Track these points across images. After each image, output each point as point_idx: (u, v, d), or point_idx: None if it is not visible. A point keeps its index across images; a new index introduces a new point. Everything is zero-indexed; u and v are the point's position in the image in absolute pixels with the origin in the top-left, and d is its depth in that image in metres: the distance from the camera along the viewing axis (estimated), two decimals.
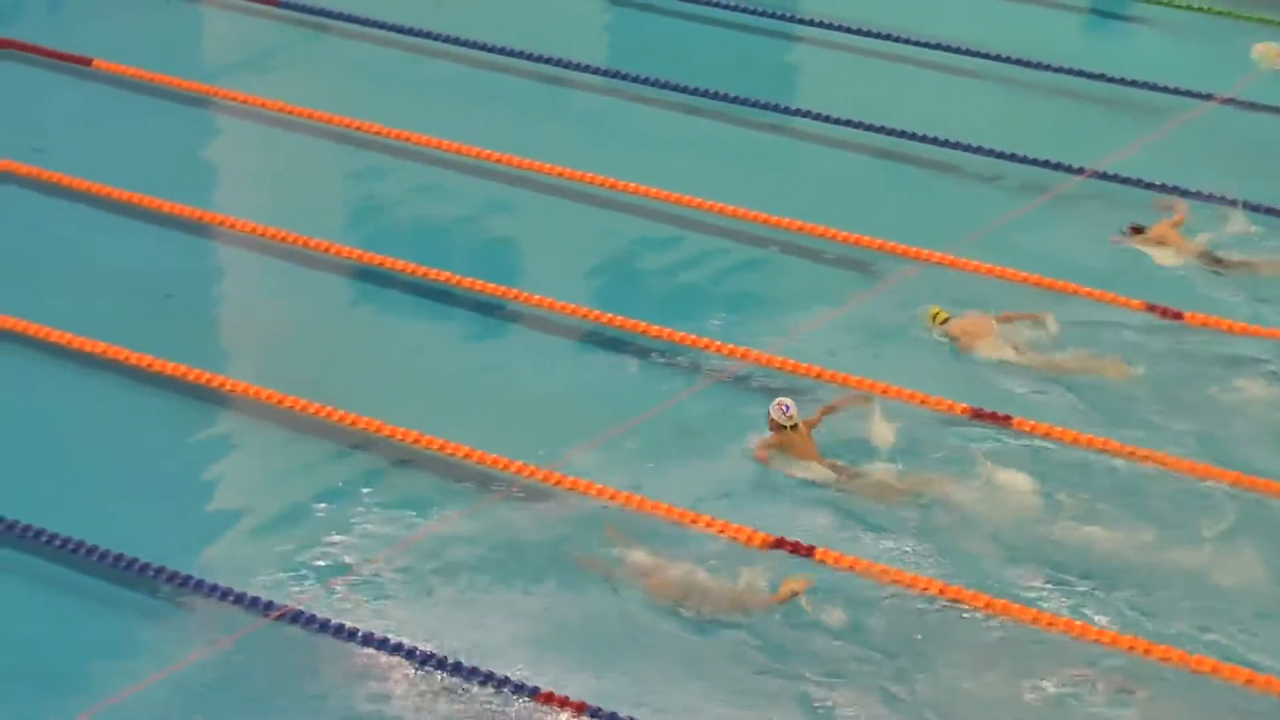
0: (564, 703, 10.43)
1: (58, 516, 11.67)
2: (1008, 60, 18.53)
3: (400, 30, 18.83)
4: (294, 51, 18.78)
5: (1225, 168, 16.55)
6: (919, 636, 11.04)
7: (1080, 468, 12.52)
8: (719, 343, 13.67)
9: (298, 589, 11.21)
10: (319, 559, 11.48)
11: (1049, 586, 11.44)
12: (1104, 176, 16.18)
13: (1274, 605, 11.44)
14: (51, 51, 18.01)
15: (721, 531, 11.77)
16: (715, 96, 17.67)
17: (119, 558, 11.36)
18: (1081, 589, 11.43)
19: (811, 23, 19.52)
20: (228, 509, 12.15)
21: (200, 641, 10.82)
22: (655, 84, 17.90)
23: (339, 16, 19.07)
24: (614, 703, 10.43)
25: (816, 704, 10.54)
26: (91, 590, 11.26)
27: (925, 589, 11.34)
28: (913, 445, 12.62)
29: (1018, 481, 12.25)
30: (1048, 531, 11.91)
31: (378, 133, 16.73)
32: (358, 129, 16.81)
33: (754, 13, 19.69)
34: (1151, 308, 14.29)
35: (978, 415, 12.96)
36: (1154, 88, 17.92)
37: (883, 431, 12.56)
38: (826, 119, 17.23)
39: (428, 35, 18.70)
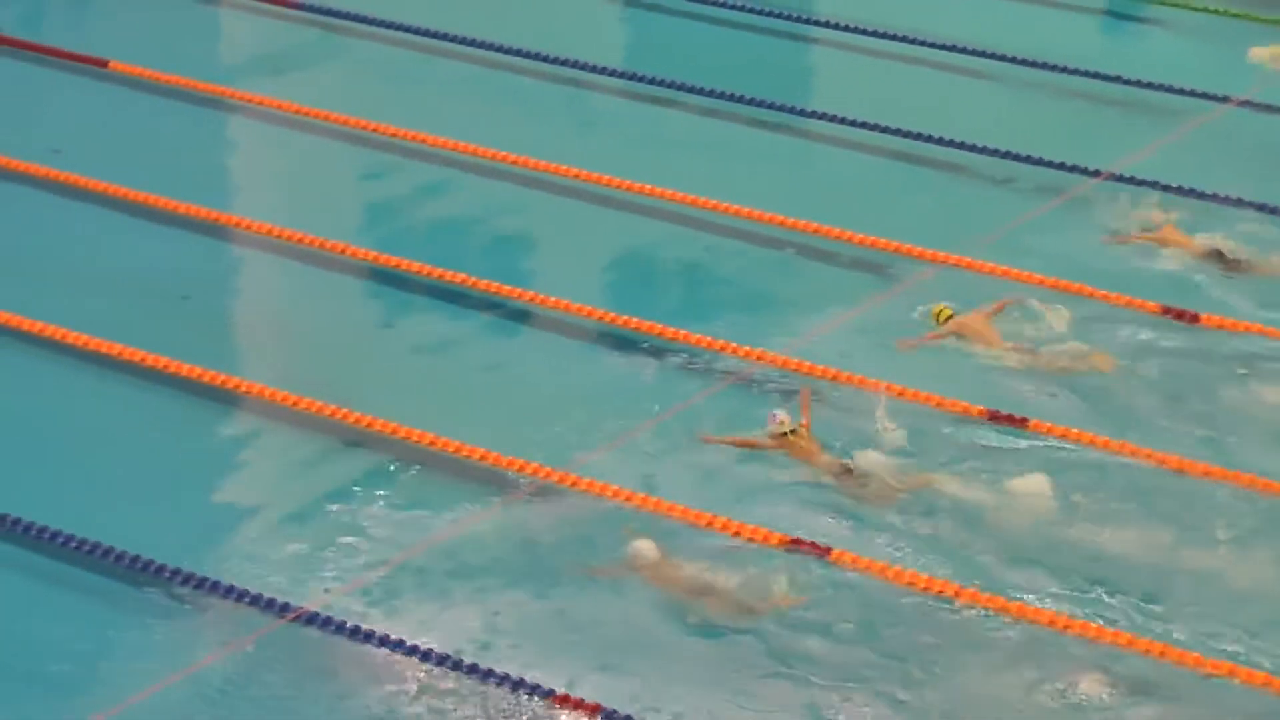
0: (579, 705, 10.43)
1: (75, 518, 11.70)
2: (1023, 62, 18.51)
3: (415, 31, 18.85)
4: (309, 52, 18.80)
5: (1241, 170, 16.52)
6: (932, 639, 11.03)
7: (1096, 470, 12.51)
8: (734, 344, 13.67)
9: (313, 590, 11.23)
10: (334, 560, 11.49)
11: (1063, 589, 11.43)
12: (1119, 179, 16.17)
13: None
14: (68, 53, 18.05)
15: (737, 533, 11.77)
16: (731, 98, 17.67)
17: (135, 559, 11.38)
18: (1096, 591, 11.42)
19: (826, 24, 19.51)
20: (244, 510, 12.17)
21: (217, 642, 10.84)
22: (671, 85, 17.90)
23: (354, 18, 19.09)
24: (628, 705, 10.43)
25: (831, 708, 10.53)
26: (109, 591, 11.28)
27: (941, 591, 11.33)
28: (927, 446, 12.61)
29: (1033, 484, 12.24)
30: (1063, 534, 11.91)
31: (393, 134, 16.74)
32: (373, 130, 16.83)
33: (769, 14, 19.68)
34: (1167, 310, 14.27)
35: (994, 417, 12.95)
36: (1170, 90, 17.89)
37: (890, 430, 12.58)
38: (842, 121, 17.22)
39: (443, 36, 18.72)
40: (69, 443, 12.70)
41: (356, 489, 12.16)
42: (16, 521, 11.69)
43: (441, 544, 11.64)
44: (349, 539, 11.67)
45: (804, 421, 12.53)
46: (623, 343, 13.88)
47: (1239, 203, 15.88)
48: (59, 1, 20.05)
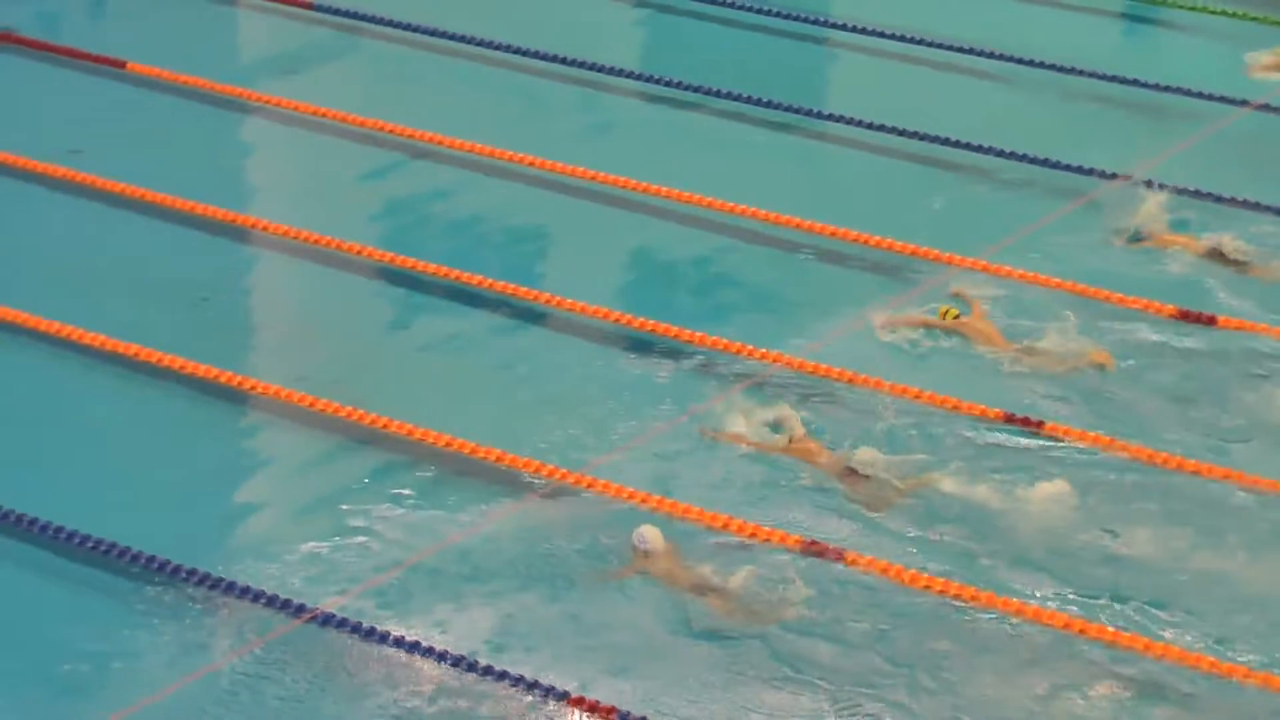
0: (594, 707, 10.43)
1: (91, 518, 11.72)
2: (1041, 65, 18.48)
3: (432, 33, 18.86)
4: (326, 53, 18.82)
5: (1259, 174, 16.50)
6: (945, 644, 11.02)
7: (1112, 473, 12.49)
8: (750, 346, 13.66)
9: (327, 591, 11.24)
10: (348, 562, 11.50)
11: (1080, 593, 11.42)
12: (1137, 182, 16.14)
13: None
14: (86, 54, 18.08)
15: (752, 535, 11.76)
16: (748, 100, 17.66)
17: (151, 559, 11.40)
18: (1112, 595, 11.40)
19: (842, 26, 19.50)
20: (259, 511, 12.20)
21: (232, 644, 10.85)
22: (687, 87, 17.90)
23: (370, 19, 19.11)
24: (643, 708, 10.43)
25: (847, 711, 10.53)
26: (124, 591, 11.29)
27: (957, 595, 11.32)
28: (944, 450, 12.60)
29: (1050, 488, 12.23)
30: (1079, 538, 11.89)
31: (410, 135, 16.75)
32: (390, 131, 16.84)
33: (785, 16, 19.67)
34: (1184, 314, 14.25)
35: (1010, 420, 12.94)
36: (1188, 93, 17.87)
37: (902, 431, 12.60)
38: (858, 123, 17.21)
39: (459, 38, 18.73)
40: (86, 443, 12.72)
41: (371, 489, 12.17)
42: (33, 521, 11.72)
43: (456, 545, 11.65)
44: (363, 540, 11.69)
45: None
46: (638, 344, 13.88)
47: (1257, 207, 15.87)
48: (76, 3, 20.08)
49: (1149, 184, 15.83)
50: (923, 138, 16.92)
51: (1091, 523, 12.00)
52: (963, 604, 11.26)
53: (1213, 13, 20.08)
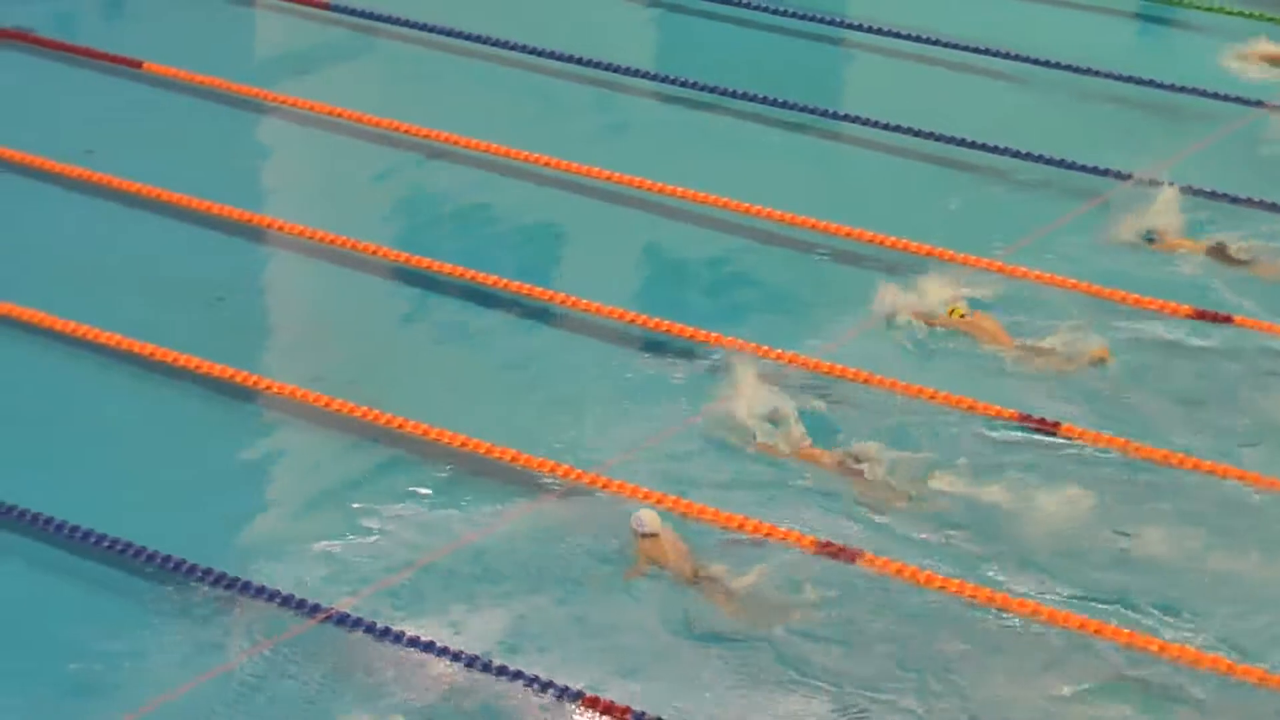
0: (609, 708, 10.43)
1: (105, 517, 11.73)
2: (1056, 66, 18.47)
3: (447, 33, 18.88)
4: (341, 53, 18.85)
5: (1274, 175, 16.47)
6: (959, 645, 11.01)
7: (1125, 474, 12.48)
8: (765, 347, 13.66)
9: (340, 591, 11.25)
10: (362, 561, 11.51)
11: (1092, 594, 11.40)
12: (1152, 183, 16.11)
13: None
14: (102, 54, 18.12)
15: (767, 535, 11.76)
16: (762, 100, 17.66)
17: (165, 558, 11.41)
18: (1125, 597, 11.38)
19: (856, 27, 19.50)
20: (273, 511, 12.21)
21: (245, 643, 10.86)
22: (702, 88, 17.90)
23: (385, 19, 19.14)
24: (656, 708, 10.43)
25: (856, 711, 10.52)
26: (138, 591, 11.30)
27: (973, 595, 11.30)
28: (958, 451, 12.59)
29: (1065, 488, 12.21)
30: (1094, 539, 11.88)
31: (424, 134, 16.77)
32: (405, 131, 16.86)
33: (800, 17, 19.67)
34: (1201, 313, 14.23)
35: (1025, 420, 12.92)
36: (1204, 94, 17.84)
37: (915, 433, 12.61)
38: (873, 124, 17.21)
39: (474, 38, 18.75)
40: (100, 442, 12.74)
41: (385, 489, 12.18)
42: (47, 520, 11.73)
43: (469, 545, 11.65)
44: (377, 539, 11.69)
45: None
46: (652, 344, 13.88)
47: (1273, 208, 15.84)
48: (93, 3, 20.13)
49: (1164, 184, 15.81)
50: (938, 138, 16.92)
51: (1104, 523, 11.98)
52: (974, 605, 11.25)
53: (1228, 13, 20.06)
